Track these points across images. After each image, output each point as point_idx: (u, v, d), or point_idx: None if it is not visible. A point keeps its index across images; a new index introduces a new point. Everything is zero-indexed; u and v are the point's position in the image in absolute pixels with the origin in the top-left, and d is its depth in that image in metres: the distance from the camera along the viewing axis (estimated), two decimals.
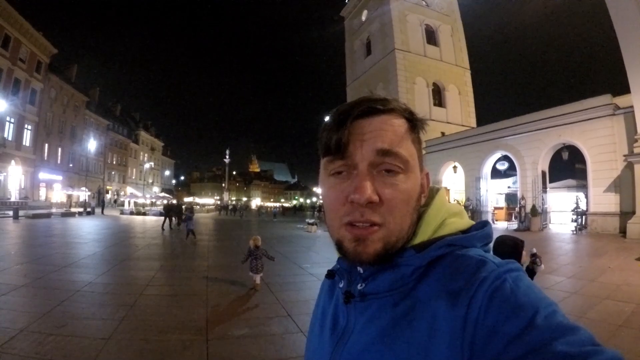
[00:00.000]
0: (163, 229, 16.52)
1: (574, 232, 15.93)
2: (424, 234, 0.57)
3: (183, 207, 21.88)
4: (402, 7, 32.80)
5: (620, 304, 5.09)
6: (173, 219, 18.26)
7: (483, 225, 0.59)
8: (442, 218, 0.59)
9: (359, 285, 0.59)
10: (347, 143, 0.54)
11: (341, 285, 0.63)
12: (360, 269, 0.59)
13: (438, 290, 0.50)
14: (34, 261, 7.45)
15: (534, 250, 2.83)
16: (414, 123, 0.58)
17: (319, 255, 10.36)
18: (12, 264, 7.08)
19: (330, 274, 0.68)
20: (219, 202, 65.87)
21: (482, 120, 32.68)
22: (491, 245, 0.59)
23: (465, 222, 0.60)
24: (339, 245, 0.56)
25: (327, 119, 0.60)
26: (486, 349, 0.43)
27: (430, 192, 0.63)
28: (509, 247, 2.61)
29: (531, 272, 2.70)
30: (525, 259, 2.76)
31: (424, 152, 0.66)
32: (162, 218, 18.20)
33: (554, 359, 0.38)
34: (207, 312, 4.68)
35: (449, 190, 23.49)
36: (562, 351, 0.38)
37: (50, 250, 9.20)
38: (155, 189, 63.70)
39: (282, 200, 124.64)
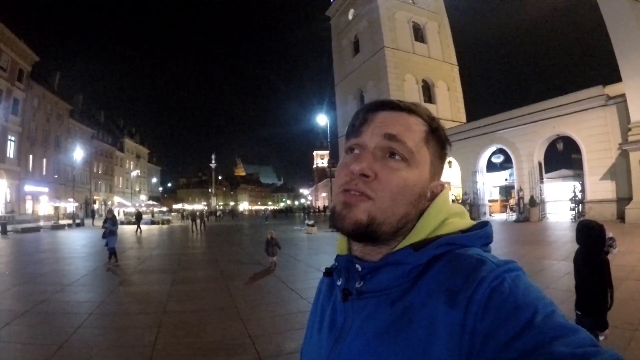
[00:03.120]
0: (192, 231, 21.29)
1: (573, 219, 16.16)
2: (423, 233, 0.56)
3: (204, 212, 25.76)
4: (390, 5, 32.90)
5: None
6: (197, 221, 22.32)
7: (483, 225, 0.58)
8: (443, 217, 0.58)
9: (357, 283, 0.58)
10: (361, 125, 0.59)
11: (339, 283, 0.62)
12: (358, 267, 0.58)
13: (436, 290, 0.49)
14: (32, 281, 6.93)
15: (610, 234, 2.90)
16: (433, 129, 0.59)
17: (330, 257, 10.11)
18: (9, 285, 6.59)
19: (328, 272, 0.68)
20: (206, 208, 65.12)
21: (472, 115, 32.79)
22: (491, 245, 0.58)
23: (466, 222, 0.59)
24: (332, 211, 0.57)
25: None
26: (485, 350, 0.42)
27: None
28: (596, 230, 2.67)
29: (606, 254, 2.86)
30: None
31: None
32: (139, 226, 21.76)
33: None
34: (244, 326, 4.33)
35: (449, 183, 23.55)
36: (562, 352, 0.38)
37: (48, 267, 8.77)
38: (143, 197, 62.66)
39: (270, 202, 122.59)
